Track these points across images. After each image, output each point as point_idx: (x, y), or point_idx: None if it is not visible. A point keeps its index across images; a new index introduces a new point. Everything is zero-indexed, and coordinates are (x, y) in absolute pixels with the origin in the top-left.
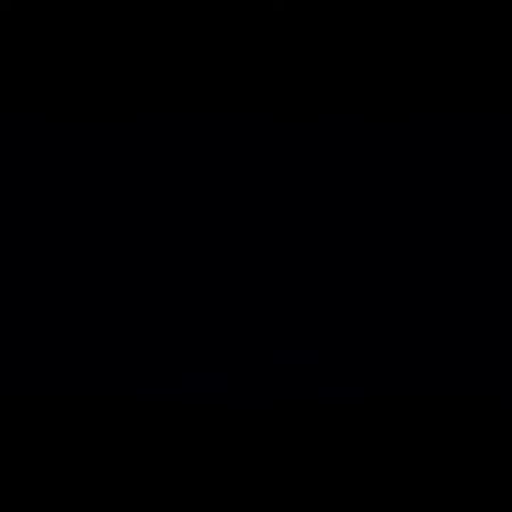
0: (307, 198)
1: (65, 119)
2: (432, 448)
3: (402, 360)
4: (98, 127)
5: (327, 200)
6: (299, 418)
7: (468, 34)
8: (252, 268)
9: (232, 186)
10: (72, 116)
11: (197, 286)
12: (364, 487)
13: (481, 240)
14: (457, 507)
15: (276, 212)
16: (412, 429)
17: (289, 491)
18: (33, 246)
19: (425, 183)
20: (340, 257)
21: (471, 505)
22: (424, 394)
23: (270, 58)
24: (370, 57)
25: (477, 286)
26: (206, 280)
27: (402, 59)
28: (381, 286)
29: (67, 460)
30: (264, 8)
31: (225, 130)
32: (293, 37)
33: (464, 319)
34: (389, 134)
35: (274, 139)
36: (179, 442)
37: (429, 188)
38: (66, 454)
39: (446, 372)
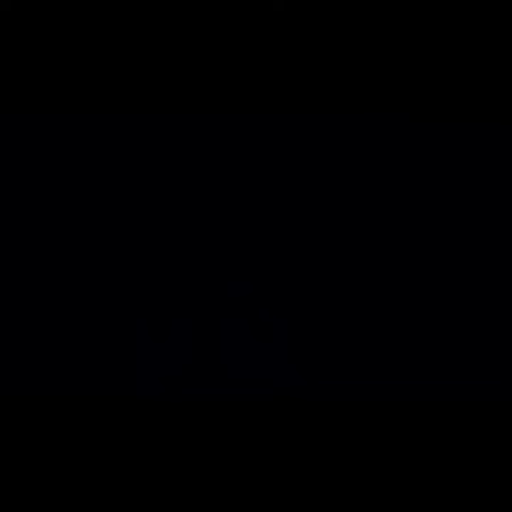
0: (305, 197)
1: (65, 118)
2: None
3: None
4: (98, 127)
5: (324, 201)
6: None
7: (470, 43)
8: (252, 271)
9: (232, 186)
10: (72, 116)
11: (195, 286)
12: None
13: (482, 243)
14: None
15: (276, 213)
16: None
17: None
18: (32, 246)
19: (422, 190)
20: (341, 258)
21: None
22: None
23: (270, 58)
24: (369, 57)
25: (471, 289)
26: (204, 280)
27: (402, 60)
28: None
29: (67, 460)
30: (264, 8)
31: (225, 131)
32: (293, 37)
33: (461, 320)
34: (389, 134)
35: (273, 139)
36: (177, 440)
37: (425, 197)
38: (66, 454)
39: (445, 375)
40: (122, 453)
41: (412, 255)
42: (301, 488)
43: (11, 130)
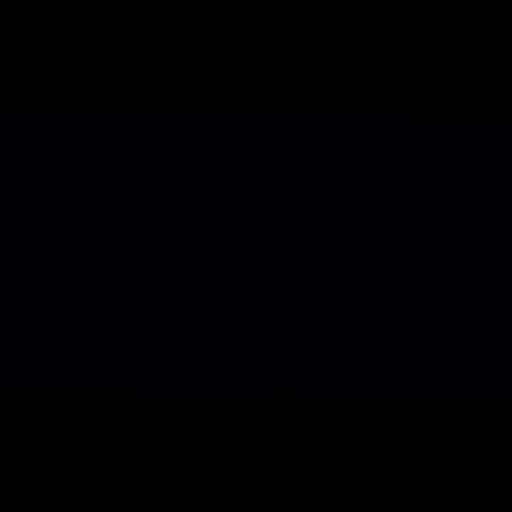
0: (305, 197)
1: (65, 118)
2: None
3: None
4: (98, 127)
5: (324, 201)
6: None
7: (470, 43)
8: (252, 271)
9: (232, 186)
10: (72, 117)
11: (195, 286)
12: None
13: (482, 243)
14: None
15: (276, 213)
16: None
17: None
18: (32, 246)
19: (423, 190)
20: (341, 258)
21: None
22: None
23: (270, 58)
24: (369, 57)
25: (470, 289)
26: (204, 280)
27: (402, 60)
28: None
29: (68, 460)
30: (264, 8)
31: (225, 131)
32: (293, 37)
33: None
34: (389, 134)
35: (274, 139)
36: (176, 439)
37: (425, 197)
38: (66, 454)
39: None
40: (122, 453)
41: (412, 255)
42: (301, 488)
43: (11, 130)
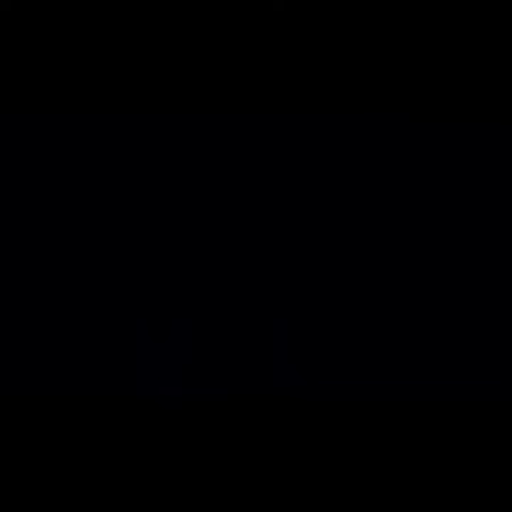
0: (305, 197)
1: (65, 118)
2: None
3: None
4: (98, 127)
5: (324, 201)
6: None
7: (470, 43)
8: (252, 271)
9: (232, 186)
10: (72, 117)
11: (195, 286)
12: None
13: (482, 243)
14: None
15: (276, 213)
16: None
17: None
18: (32, 246)
19: (423, 190)
20: (341, 258)
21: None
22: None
23: (270, 58)
24: (369, 57)
25: (470, 289)
26: (204, 280)
27: (402, 60)
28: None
29: (68, 460)
30: (264, 8)
31: (225, 131)
32: (293, 37)
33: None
34: (389, 134)
35: (274, 139)
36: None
37: (425, 197)
38: (66, 454)
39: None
40: (122, 453)
41: (412, 255)
42: (301, 487)
43: (11, 130)
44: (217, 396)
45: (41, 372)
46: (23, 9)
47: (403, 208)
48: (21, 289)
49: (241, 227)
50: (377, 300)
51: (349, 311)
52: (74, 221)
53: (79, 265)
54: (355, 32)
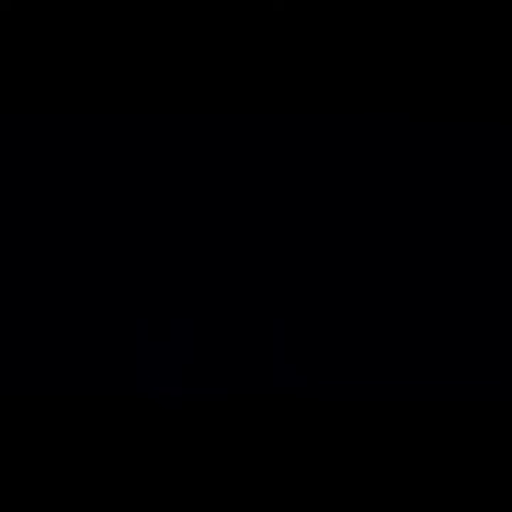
0: (305, 197)
1: (65, 118)
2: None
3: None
4: (98, 127)
5: (324, 201)
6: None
7: (470, 43)
8: (252, 271)
9: (232, 186)
10: (72, 117)
11: (195, 286)
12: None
13: (482, 243)
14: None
15: (276, 213)
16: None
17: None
18: (32, 246)
19: (422, 190)
20: (341, 258)
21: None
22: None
23: (270, 58)
24: (369, 57)
25: (470, 289)
26: (204, 280)
27: (402, 60)
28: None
29: (68, 460)
30: (264, 8)
31: (225, 131)
32: (293, 37)
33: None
34: (389, 134)
35: (274, 139)
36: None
37: (425, 196)
38: (66, 454)
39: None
40: (122, 453)
41: (412, 255)
42: (301, 487)
43: (11, 130)
44: (217, 396)
45: (41, 372)
46: (23, 9)
47: (403, 208)
48: (21, 289)
49: (241, 227)
50: (377, 300)
51: (349, 311)
52: (74, 221)
53: (79, 265)
54: (355, 32)
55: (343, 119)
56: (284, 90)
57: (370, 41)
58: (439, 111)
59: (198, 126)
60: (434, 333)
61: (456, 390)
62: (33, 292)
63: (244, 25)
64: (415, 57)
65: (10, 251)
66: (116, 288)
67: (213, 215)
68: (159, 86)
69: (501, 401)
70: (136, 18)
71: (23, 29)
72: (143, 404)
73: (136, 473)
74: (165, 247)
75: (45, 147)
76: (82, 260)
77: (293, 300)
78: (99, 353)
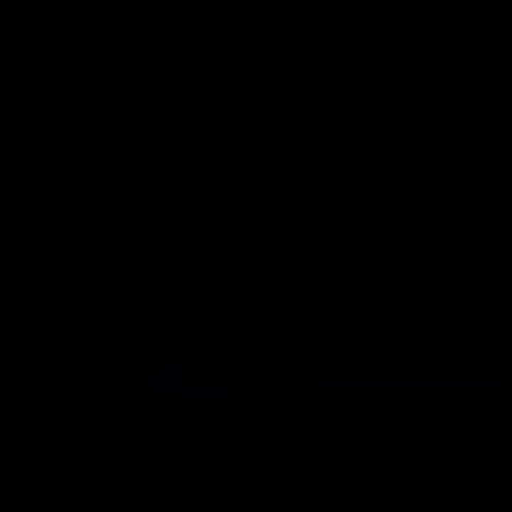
0: (305, 197)
1: (65, 118)
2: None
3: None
4: (98, 127)
5: (324, 201)
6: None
7: (470, 43)
8: (252, 271)
9: (232, 186)
10: (72, 117)
11: (195, 286)
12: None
13: (482, 243)
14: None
15: (276, 213)
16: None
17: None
18: (32, 246)
19: (422, 190)
20: (341, 257)
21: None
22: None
23: (270, 58)
24: (369, 57)
25: (470, 289)
26: (205, 280)
27: (402, 60)
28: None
29: (68, 460)
30: (264, 8)
31: (225, 131)
32: (293, 37)
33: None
34: (389, 134)
35: (274, 139)
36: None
37: (425, 197)
38: (66, 454)
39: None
40: (123, 453)
41: (412, 255)
42: (301, 487)
43: (11, 130)
44: (217, 396)
45: (41, 372)
46: (23, 9)
47: (403, 208)
48: (22, 289)
49: (241, 227)
50: (377, 300)
51: (349, 310)
52: (74, 221)
53: (79, 265)
54: (355, 32)
55: (343, 119)
56: (284, 90)
57: (369, 41)
58: (439, 111)
59: (198, 126)
60: (433, 333)
61: (456, 390)
62: (33, 292)
63: (244, 25)
64: (415, 58)
65: (10, 251)
66: (116, 288)
67: (213, 215)
68: (159, 86)
69: (501, 401)
70: (136, 18)
71: (23, 29)
72: (143, 404)
73: (136, 474)
74: (165, 246)
75: (45, 147)
76: (83, 260)
77: (293, 300)
78: (99, 353)
